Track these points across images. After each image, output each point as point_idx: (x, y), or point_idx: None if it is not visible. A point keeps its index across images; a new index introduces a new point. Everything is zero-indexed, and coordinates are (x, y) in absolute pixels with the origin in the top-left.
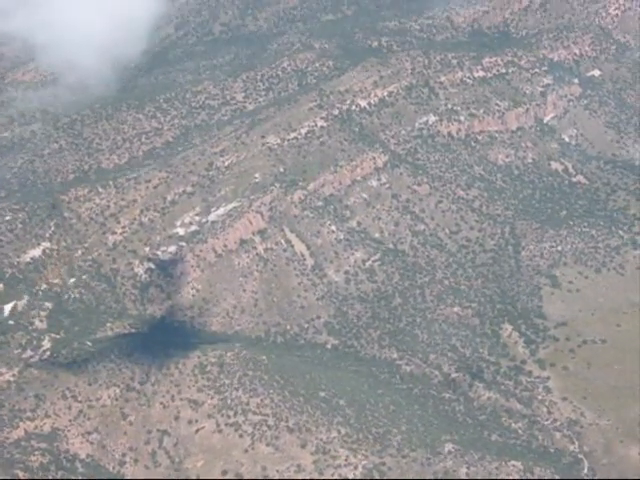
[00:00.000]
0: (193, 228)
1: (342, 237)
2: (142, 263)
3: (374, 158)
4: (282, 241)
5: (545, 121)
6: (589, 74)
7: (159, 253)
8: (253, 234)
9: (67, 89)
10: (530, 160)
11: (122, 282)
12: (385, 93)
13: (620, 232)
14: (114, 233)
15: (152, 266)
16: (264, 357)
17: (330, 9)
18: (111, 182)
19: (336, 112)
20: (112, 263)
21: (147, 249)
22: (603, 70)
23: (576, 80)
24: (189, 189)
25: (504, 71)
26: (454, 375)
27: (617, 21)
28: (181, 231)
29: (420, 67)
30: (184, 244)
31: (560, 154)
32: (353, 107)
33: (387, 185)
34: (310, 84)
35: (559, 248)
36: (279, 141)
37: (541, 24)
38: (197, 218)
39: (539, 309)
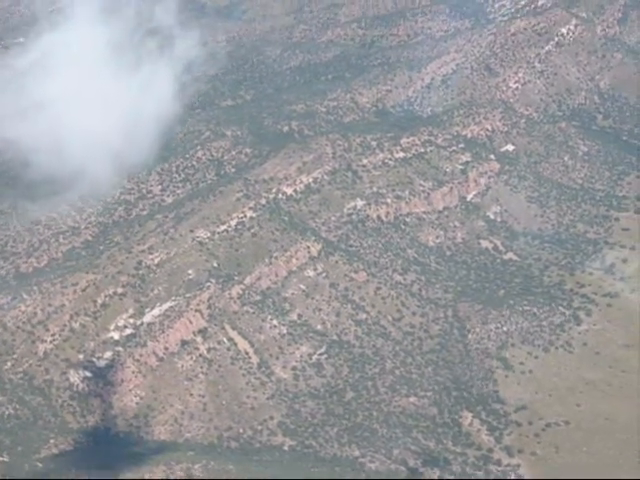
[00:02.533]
0: (128, 331)
1: (285, 331)
2: (77, 372)
3: (308, 247)
4: (224, 340)
5: (469, 199)
6: (503, 149)
7: (95, 360)
8: (194, 334)
9: None
10: (460, 240)
11: (58, 394)
12: (310, 179)
13: (561, 308)
14: (44, 341)
15: (89, 374)
16: (231, 467)
17: (228, 94)
18: (35, 287)
19: (264, 201)
20: (45, 374)
21: (81, 356)
22: (516, 144)
23: (492, 156)
24: (120, 290)
25: (423, 150)
26: (421, 470)
27: (518, 94)
28: (116, 335)
29: (341, 151)
30: (121, 349)
31: (488, 232)
32: (280, 195)
33: (324, 274)
34: (229, 173)
35: (505, 329)
36: (209, 235)
37: (444, 100)
38: (131, 320)
39: (496, 394)
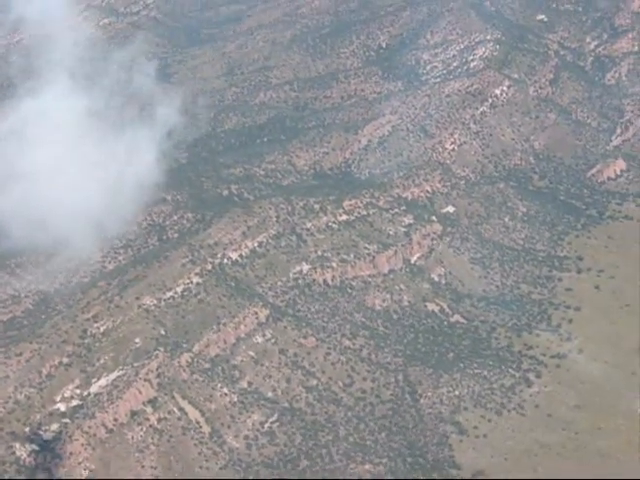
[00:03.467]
0: (75, 402)
1: (236, 399)
2: (24, 445)
3: (256, 313)
4: (175, 409)
5: (413, 261)
6: (444, 211)
7: (41, 432)
8: (144, 404)
9: None
10: (406, 303)
11: (4, 468)
12: (255, 244)
13: (510, 370)
14: None
15: (35, 447)
16: None
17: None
18: None
19: (209, 267)
20: None
21: (27, 429)
22: (457, 206)
23: (434, 218)
24: (65, 360)
25: (365, 213)
26: None
27: (455, 155)
28: (62, 407)
29: (285, 214)
30: (68, 420)
31: (433, 294)
32: (225, 260)
33: (273, 340)
34: (172, 239)
35: (457, 393)
36: (155, 302)
37: (382, 162)
38: (78, 391)
39: (451, 459)
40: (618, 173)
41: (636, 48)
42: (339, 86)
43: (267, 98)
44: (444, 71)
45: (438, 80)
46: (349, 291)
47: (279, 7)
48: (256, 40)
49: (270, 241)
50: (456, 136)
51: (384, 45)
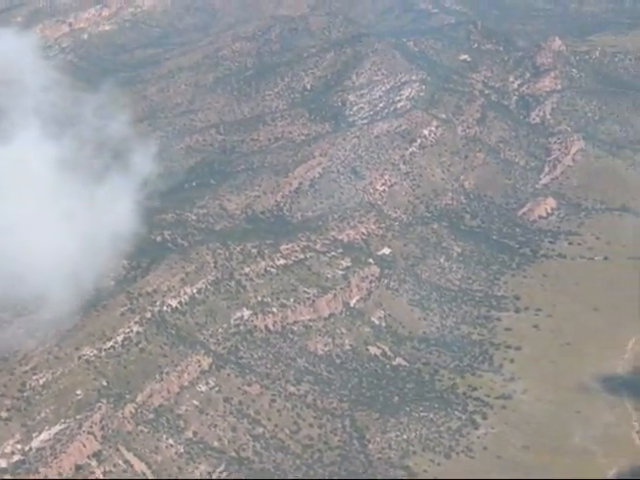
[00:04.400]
0: (17, 458)
1: (182, 450)
2: None
3: (199, 361)
4: (120, 462)
5: (352, 305)
6: (380, 253)
7: None
8: (88, 458)
9: None
10: (348, 347)
11: None
12: (194, 290)
13: (456, 412)
14: None
15: None
16: None
17: None
18: None
19: (149, 315)
20: None
21: None
22: (392, 247)
23: (371, 260)
24: (4, 414)
25: (303, 257)
26: None
27: (386, 197)
28: (3, 462)
29: (222, 260)
30: (9, 477)
31: (374, 337)
32: (165, 308)
33: (217, 389)
34: (109, 286)
35: (405, 437)
36: (96, 352)
37: (314, 205)
38: (19, 446)
39: None
40: (549, 211)
41: (559, 87)
42: (266, 129)
43: (193, 142)
44: (371, 112)
45: (365, 121)
46: (291, 336)
47: (199, 50)
48: (178, 83)
49: (209, 287)
50: (386, 177)
51: (309, 87)
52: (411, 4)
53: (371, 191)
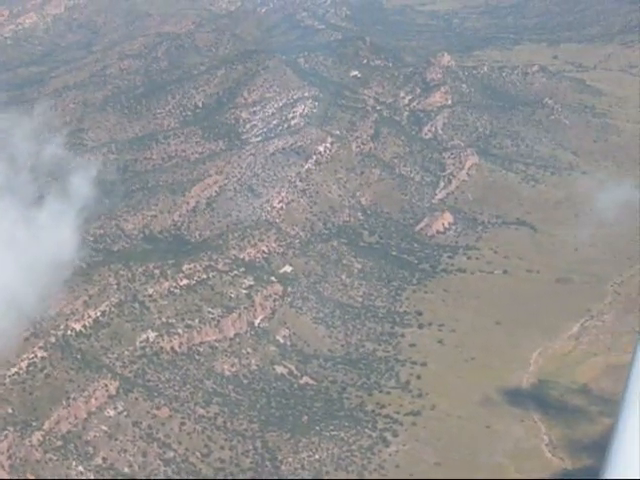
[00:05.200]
0: None
1: (92, 477)
2: None
3: (106, 385)
4: None
5: (257, 324)
6: (282, 271)
7: None
8: None
9: None
10: (255, 366)
11: None
12: (98, 313)
13: (367, 430)
14: None
15: None
16: None
17: None
18: None
19: (53, 339)
20: None
21: None
22: (294, 265)
23: (273, 278)
24: None
25: (205, 276)
26: None
27: (283, 214)
28: None
29: (125, 281)
30: None
31: (280, 357)
32: (69, 332)
33: (125, 413)
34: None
35: (317, 457)
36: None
37: (211, 224)
38: None
39: None
40: (446, 226)
41: (449, 102)
42: (159, 147)
43: (84, 160)
44: (265, 129)
45: (259, 138)
46: (197, 357)
47: (85, 68)
48: (66, 102)
49: (113, 309)
50: (283, 194)
51: (201, 104)
52: (297, 21)
53: (268, 209)
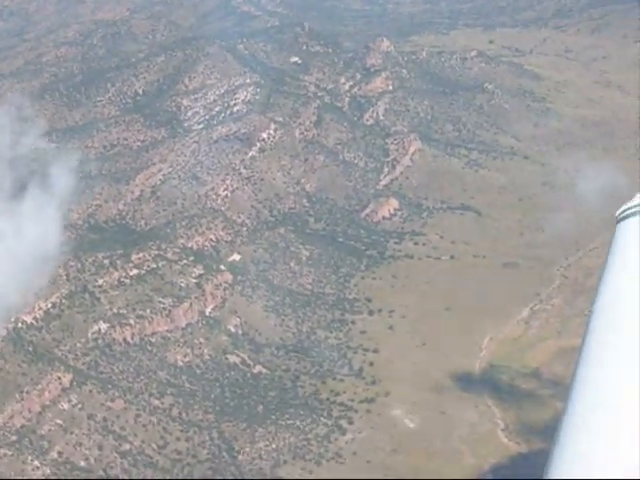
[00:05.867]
0: None
1: (48, 471)
2: None
3: (59, 378)
4: None
5: (208, 313)
6: (230, 259)
7: None
8: None
9: None
10: (207, 356)
11: None
12: (48, 305)
13: (322, 419)
14: None
15: None
16: None
17: None
18: None
19: (4, 332)
20: None
21: None
22: (242, 253)
23: (222, 267)
24: None
25: (155, 266)
26: None
27: (229, 202)
28: None
29: (75, 272)
30: None
31: (233, 346)
32: (20, 324)
33: (79, 406)
34: None
35: (274, 446)
36: None
37: (157, 212)
38: None
39: None
40: (392, 212)
41: (390, 87)
42: (100, 135)
43: (25, 150)
44: (207, 116)
45: (202, 126)
46: (150, 348)
47: (19, 56)
48: (1, 90)
49: (64, 301)
50: (228, 182)
51: (141, 92)
52: (233, 7)
53: (214, 197)
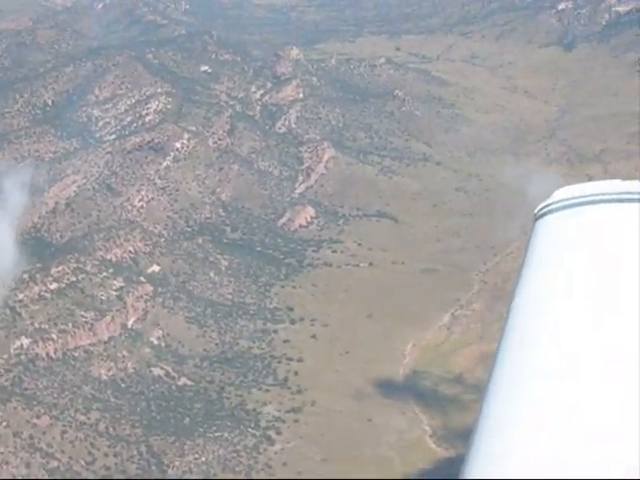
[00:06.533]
0: None
1: None
2: None
3: None
4: None
5: (130, 326)
6: (150, 270)
7: None
8: None
9: None
10: (131, 370)
11: None
12: None
13: (250, 430)
14: None
15: None
16: None
17: None
18: None
19: None
20: None
21: None
22: (161, 265)
23: (142, 278)
24: None
25: (75, 279)
26: None
27: (144, 213)
28: None
29: None
30: None
31: (156, 358)
32: None
33: (4, 424)
34: None
35: (203, 459)
36: None
37: (72, 225)
38: None
39: None
40: (308, 220)
41: (301, 95)
42: (11, 147)
43: None
44: (119, 127)
45: (114, 136)
46: (73, 363)
47: None
48: None
49: None
50: (143, 193)
51: (50, 103)
52: (138, 16)
53: (129, 207)
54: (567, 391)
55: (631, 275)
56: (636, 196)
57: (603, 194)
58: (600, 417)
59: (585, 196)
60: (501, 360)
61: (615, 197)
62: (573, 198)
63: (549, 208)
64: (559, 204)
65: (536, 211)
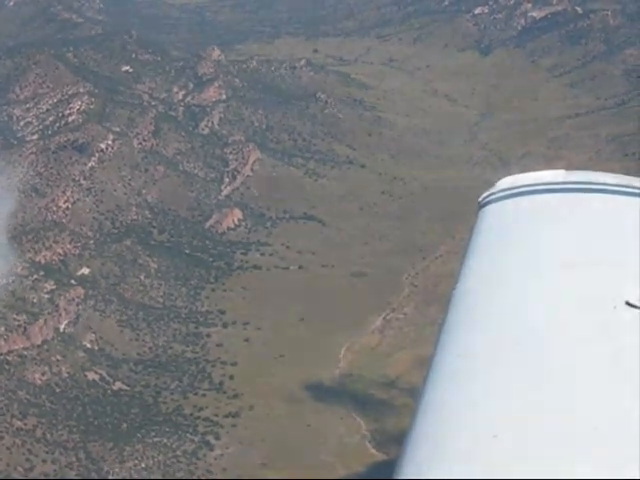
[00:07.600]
0: None
1: None
2: None
3: None
4: None
5: (62, 330)
6: (79, 273)
7: None
8: None
9: None
10: (66, 374)
11: None
12: None
13: (188, 435)
14: None
15: None
16: None
17: None
18: None
19: None
20: None
21: None
22: (91, 267)
23: (73, 281)
24: None
25: (5, 282)
26: None
27: (70, 214)
28: None
29: None
30: None
31: (90, 362)
32: None
33: None
34: None
35: (143, 465)
36: None
37: None
38: None
39: None
40: (236, 222)
41: (224, 97)
42: None
43: None
44: (41, 126)
45: (36, 136)
46: (7, 367)
47: None
48: None
49: None
50: (68, 194)
51: None
52: (52, 13)
53: (54, 209)
54: (503, 390)
55: (565, 262)
56: (578, 185)
57: (546, 183)
58: (539, 415)
59: (529, 185)
60: (438, 353)
61: (558, 187)
62: (517, 187)
63: (493, 197)
64: (503, 193)
65: (480, 199)
